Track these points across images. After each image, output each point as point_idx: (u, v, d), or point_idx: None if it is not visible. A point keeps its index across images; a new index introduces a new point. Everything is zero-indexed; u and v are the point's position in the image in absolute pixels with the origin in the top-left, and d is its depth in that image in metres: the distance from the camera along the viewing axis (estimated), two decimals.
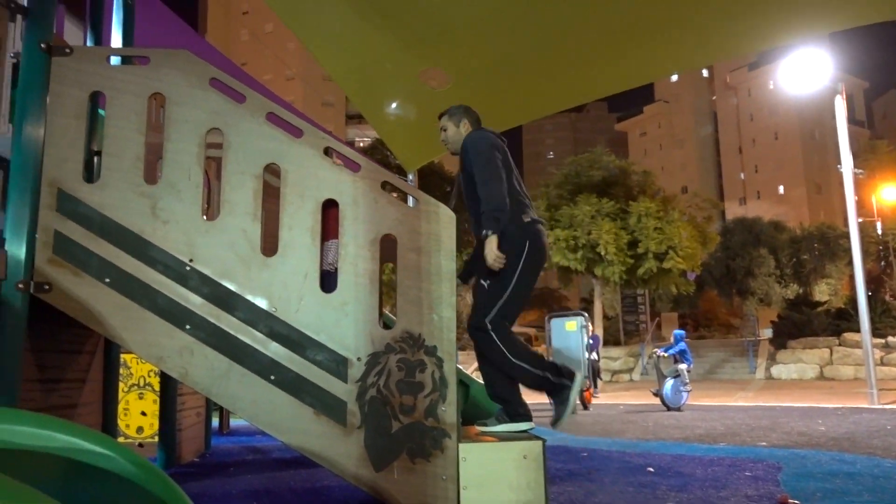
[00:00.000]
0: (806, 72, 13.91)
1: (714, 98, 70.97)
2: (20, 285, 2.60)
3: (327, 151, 2.92)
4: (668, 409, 10.89)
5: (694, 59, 8.55)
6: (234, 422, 8.24)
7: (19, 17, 2.82)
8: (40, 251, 2.68)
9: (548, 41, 7.38)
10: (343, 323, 2.72)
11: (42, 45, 2.75)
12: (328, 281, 2.82)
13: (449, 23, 7.34)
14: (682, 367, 11.38)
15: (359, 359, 2.69)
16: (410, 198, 3.17)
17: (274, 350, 2.68)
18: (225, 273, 2.71)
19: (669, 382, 11.09)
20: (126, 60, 3.34)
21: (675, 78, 67.67)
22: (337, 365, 2.68)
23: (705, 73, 70.17)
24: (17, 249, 2.62)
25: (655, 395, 11.30)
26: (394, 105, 9.42)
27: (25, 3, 2.82)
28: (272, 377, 2.66)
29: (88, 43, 4.53)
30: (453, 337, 2.74)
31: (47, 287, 2.66)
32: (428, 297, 2.74)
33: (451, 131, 3.63)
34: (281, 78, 48.64)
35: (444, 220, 2.80)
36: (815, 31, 5.51)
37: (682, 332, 12.48)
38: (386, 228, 2.79)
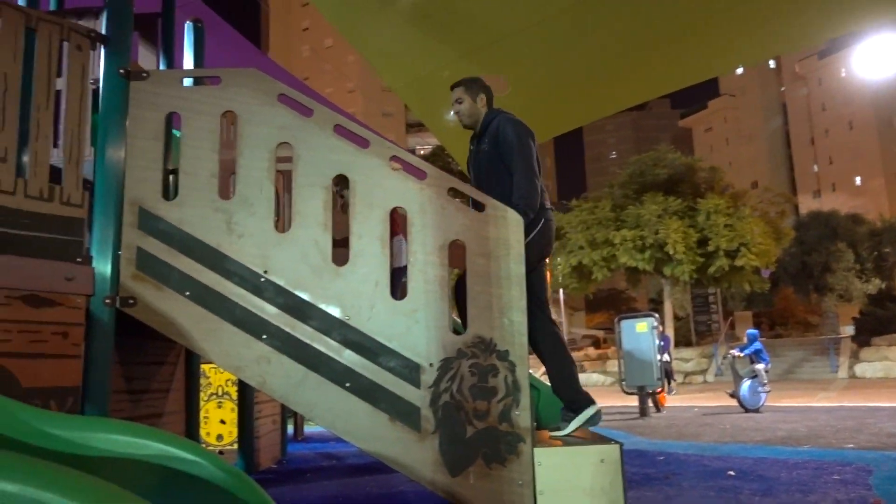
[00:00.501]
0: (880, 57, 13.32)
1: (783, 89, 68.67)
2: (107, 300, 2.72)
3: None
4: (746, 410, 10.56)
5: (761, 51, 8.31)
6: (309, 428, 8.40)
7: (99, 45, 2.95)
8: (124, 267, 2.80)
9: (607, 41, 7.30)
10: (414, 329, 2.74)
11: (121, 71, 2.88)
12: (398, 277, 2.85)
13: (504, 30, 7.35)
14: (759, 367, 11.02)
15: (431, 364, 2.71)
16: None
17: (348, 357, 2.72)
18: (298, 283, 2.77)
19: (746, 383, 10.76)
20: (198, 81, 3.46)
21: (740, 71, 65.75)
22: (410, 371, 2.71)
23: (772, 63, 67.95)
24: (104, 266, 2.75)
25: (732, 396, 10.98)
26: (451, 113, 9.46)
27: (105, 32, 2.95)
28: (347, 384, 2.70)
29: (161, 66, 4.71)
30: (525, 341, 2.73)
31: (132, 301, 2.77)
32: (498, 301, 2.73)
33: (466, 104, 3.56)
34: (342, 91, 49.49)
35: (512, 225, 2.80)
36: (889, 16, 5.28)
37: (756, 331, 12.08)
38: (454, 234, 2.80)
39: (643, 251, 23.81)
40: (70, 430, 1.38)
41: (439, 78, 8.39)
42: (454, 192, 2.94)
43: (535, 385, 4.48)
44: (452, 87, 3.66)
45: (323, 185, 2.84)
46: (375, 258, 2.79)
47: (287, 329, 2.74)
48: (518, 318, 2.72)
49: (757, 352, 11.30)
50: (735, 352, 11.90)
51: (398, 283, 2.99)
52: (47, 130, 2.71)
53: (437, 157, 28.65)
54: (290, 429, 7.44)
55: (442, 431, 2.67)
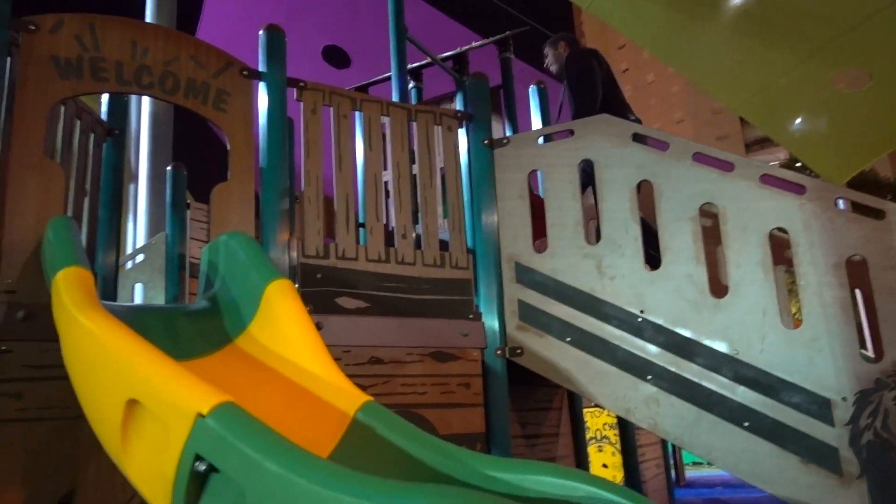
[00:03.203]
0: None
1: None
2: (498, 352, 2.95)
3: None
4: None
5: None
6: (690, 473, 8.02)
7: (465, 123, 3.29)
8: (509, 320, 3.00)
9: None
10: (817, 360, 2.46)
11: (485, 142, 3.16)
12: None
13: (854, 19, 6.51)
14: None
15: (844, 399, 2.39)
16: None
17: (742, 395, 2.54)
18: (677, 320, 2.69)
19: None
20: (549, 137, 3.65)
21: None
22: (818, 407, 2.42)
23: None
24: (492, 321, 2.99)
25: None
26: (798, 120, 8.61)
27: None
28: (746, 424, 2.52)
29: (508, 131, 5.08)
30: None
31: (519, 351, 2.95)
32: None
33: (550, 55, 4.24)
34: (670, 123, 48.29)
35: None
36: None
37: None
38: (850, 249, 2.48)
39: None
40: (506, 472, 1.49)
41: (781, 86, 7.71)
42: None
43: None
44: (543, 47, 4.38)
45: (689, 216, 2.75)
46: (759, 286, 2.59)
47: (672, 368, 2.67)
48: None
49: None
50: None
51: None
52: (434, 206, 3.08)
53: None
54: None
55: (870, 476, 2.32)
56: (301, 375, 1.84)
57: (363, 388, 2.62)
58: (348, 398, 1.75)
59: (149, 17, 6.72)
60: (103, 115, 3.25)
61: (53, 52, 2.35)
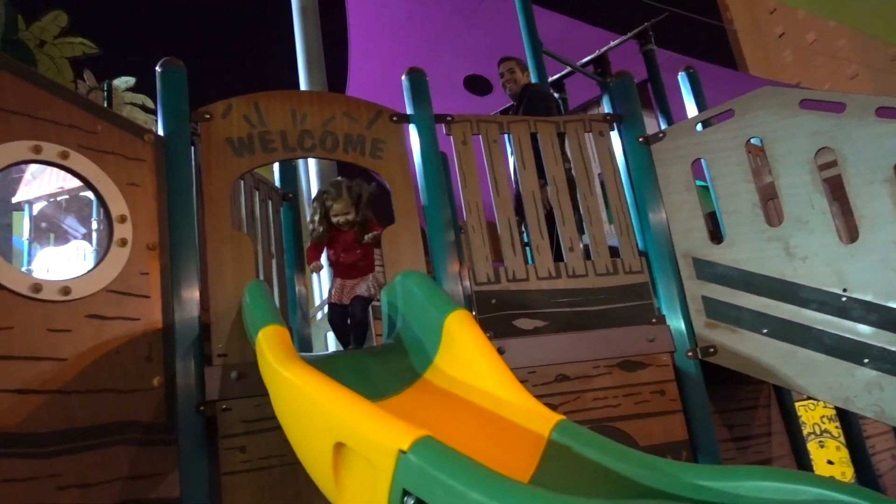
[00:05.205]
0: None
1: None
2: (689, 353, 2.81)
3: None
4: None
5: None
6: None
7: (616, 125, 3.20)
8: (695, 318, 2.85)
9: None
10: None
11: (640, 140, 3.06)
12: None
13: None
14: None
15: None
16: None
17: None
18: (890, 293, 2.43)
19: None
20: (707, 122, 3.46)
21: None
22: None
23: None
24: (677, 322, 2.86)
25: None
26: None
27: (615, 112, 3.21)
28: None
29: (662, 124, 4.88)
30: None
31: (712, 350, 2.79)
32: None
33: (517, 74, 4.31)
34: (843, 80, 44.11)
35: None
36: None
37: None
38: None
39: None
40: (717, 480, 1.40)
41: None
42: None
43: None
44: (503, 61, 4.38)
45: (883, 178, 2.48)
46: None
47: (892, 348, 2.40)
48: None
49: None
50: None
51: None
52: (597, 213, 3.02)
53: None
54: None
55: None
56: (491, 402, 1.86)
57: (553, 406, 2.62)
58: (540, 419, 1.74)
59: (302, 84, 7.23)
60: (277, 182, 3.53)
61: (227, 135, 2.59)
